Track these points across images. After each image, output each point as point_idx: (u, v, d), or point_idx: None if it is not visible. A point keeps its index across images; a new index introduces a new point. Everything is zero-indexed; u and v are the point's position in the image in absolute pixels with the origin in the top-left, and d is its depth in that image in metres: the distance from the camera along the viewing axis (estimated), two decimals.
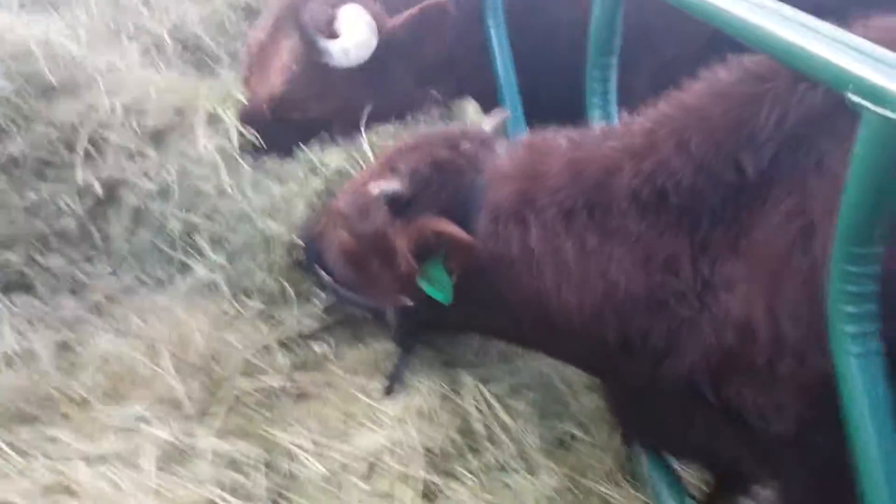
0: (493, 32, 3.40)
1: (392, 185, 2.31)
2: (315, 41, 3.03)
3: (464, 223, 2.23)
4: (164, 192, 2.96)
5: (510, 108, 3.22)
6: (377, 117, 3.22)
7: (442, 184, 2.31)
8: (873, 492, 1.68)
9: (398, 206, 2.31)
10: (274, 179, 3.11)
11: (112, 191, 2.99)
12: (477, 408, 2.49)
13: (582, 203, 2.13)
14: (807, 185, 1.87)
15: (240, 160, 3.10)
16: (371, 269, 2.53)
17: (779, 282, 1.88)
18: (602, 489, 2.36)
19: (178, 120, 3.12)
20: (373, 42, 3.09)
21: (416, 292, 2.36)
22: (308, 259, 2.77)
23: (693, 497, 2.35)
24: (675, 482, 2.38)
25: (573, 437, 2.49)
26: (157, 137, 3.10)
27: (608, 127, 2.29)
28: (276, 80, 3.18)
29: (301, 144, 3.19)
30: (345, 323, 2.83)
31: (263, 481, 2.24)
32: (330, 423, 2.44)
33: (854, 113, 1.56)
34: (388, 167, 2.41)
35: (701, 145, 1.97)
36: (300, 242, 2.83)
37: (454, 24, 3.24)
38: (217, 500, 2.14)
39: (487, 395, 2.52)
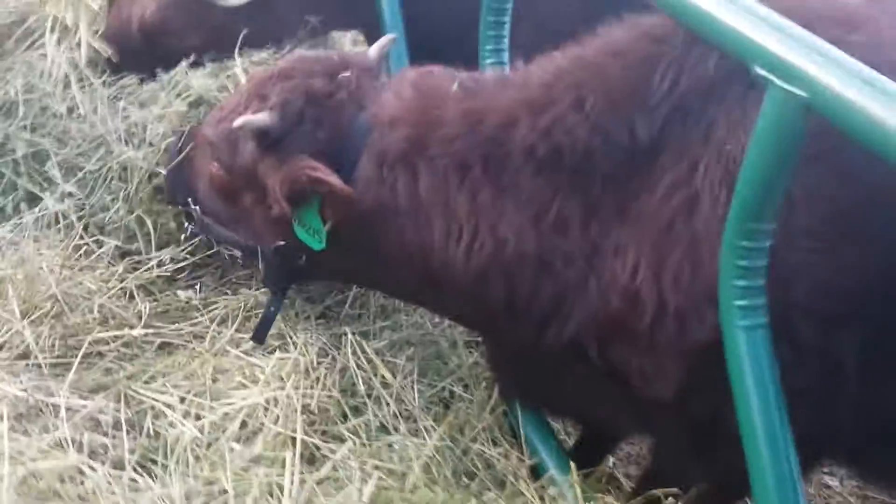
0: None
1: (260, 118, 2.12)
2: None
3: (342, 165, 2.10)
4: (6, 109, 2.61)
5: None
6: (252, 43, 3.01)
7: (318, 119, 2.14)
8: (756, 460, 1.75)
9: (268, 141, 2.13)
10: (132, 101, 2.84)
11: None
12: (357, 364, 2.39)
13: (477, 155, 2.05)
14: (693, 155, 1.87)
15: (92, 78, 2.80)
16: (242, 205, 2.34)
17: (662, 250, 1.90)
18: (481, 448, 2.34)
19: (22, 27, 2.76)
20: None
21: (290, 234, 2.22)
22: (173, 188, 2.54)
23: (568, 455, 2.37)
24: (552, 440, 2.41)
25: (453, 394, 2.45)
26: None
27: (502, 75, 2.19)
28: (149, 2, 2.89)
29: (164, 66, 2.93)
30: (211, 266, 2.64)
31: (128, 443, 2.06)
32: (198, 379, 2.27)
33: (751, 85, 1.58)
34: (257, 96, 2.21)
35: (597, 105, 1.94)
36: (162, 171, 2.60)
37: None
38: (79, 464, 1.94)
39: (368, 351, 2.42)
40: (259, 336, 2.41)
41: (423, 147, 2.09)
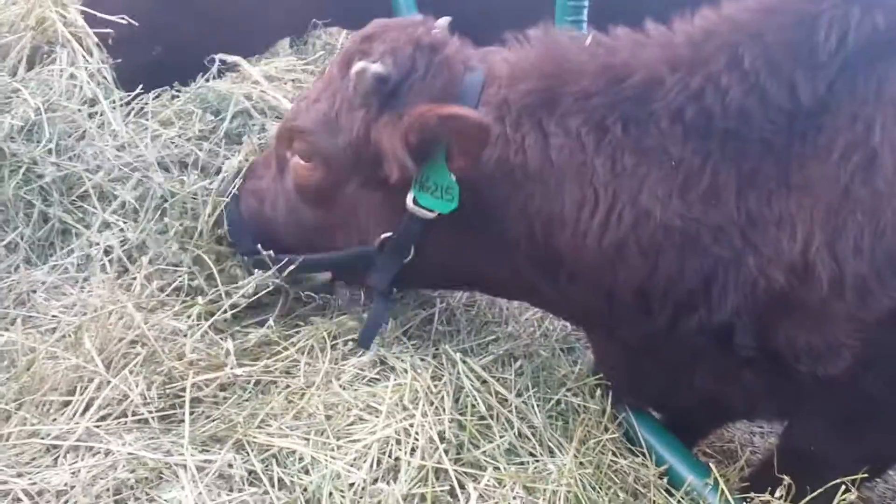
0: None
1: (377, 65, 1.94)
2: None
3: None
4: (29, 132, 2.26)
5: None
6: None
7: (428, 67, 1.98)
8: None
9: (385, 91, 1.95)
10: (148, 117, 2.54)
11: None
12: (472, 385, 2.20)
13: (616, 115, 1.90)
14: (867, 114, 1.80)
15: (114, 94, 2.49)
16: (343, 200, 2.12)
17: (838, 216, 1.81)
18: (616, 461, 2.20)
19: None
20: None
21: (398, 221, 2.04)
22: (237, 237, 2.32)
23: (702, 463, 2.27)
24: (679, 444, 2.28)
25: (569, 406, 2.30)
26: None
27: (634, 34, 2.01)
28: None
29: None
30: (272, 305, 2.36)
31: (273, 497, 1.80)
32: (315, 417, 2.02)
33: None
34: (358, 52, 2.03)
35: (755, 63, 1.84)
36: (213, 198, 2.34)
37: None
38: None
39: (477, 369, 2.24)
40: (365, 340, 2.22)
41: (553, 102, 1.93)
